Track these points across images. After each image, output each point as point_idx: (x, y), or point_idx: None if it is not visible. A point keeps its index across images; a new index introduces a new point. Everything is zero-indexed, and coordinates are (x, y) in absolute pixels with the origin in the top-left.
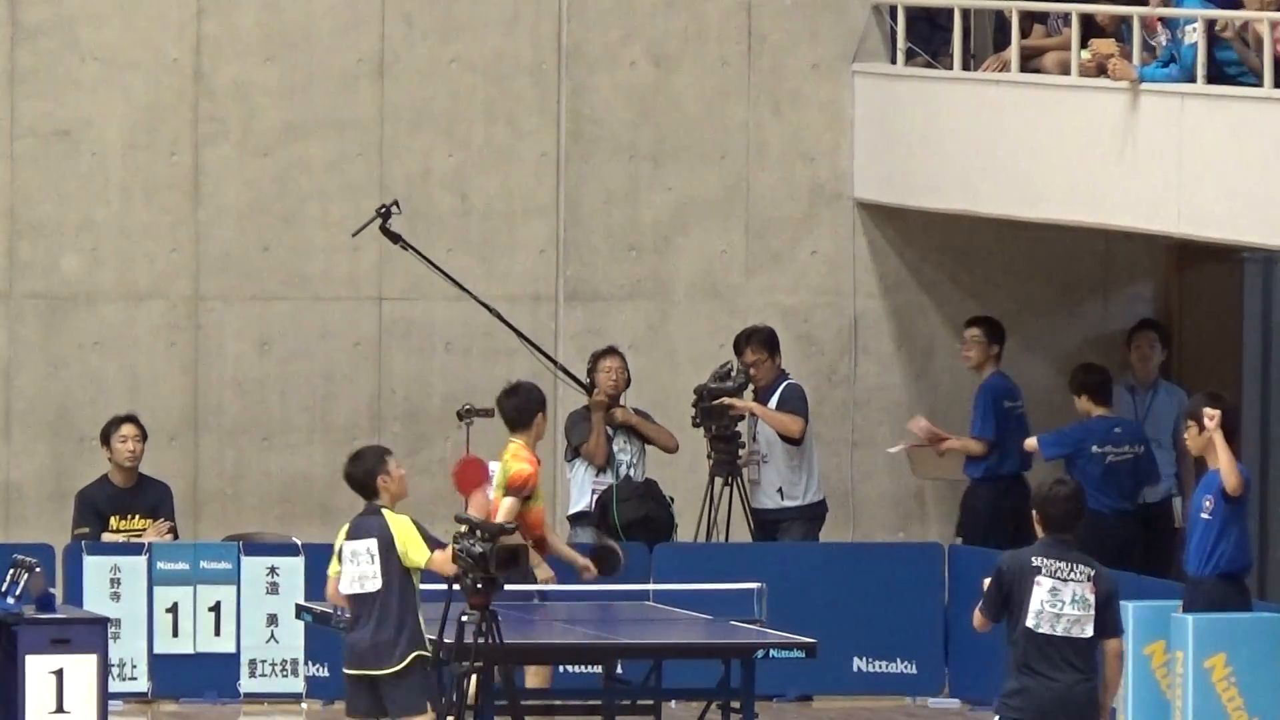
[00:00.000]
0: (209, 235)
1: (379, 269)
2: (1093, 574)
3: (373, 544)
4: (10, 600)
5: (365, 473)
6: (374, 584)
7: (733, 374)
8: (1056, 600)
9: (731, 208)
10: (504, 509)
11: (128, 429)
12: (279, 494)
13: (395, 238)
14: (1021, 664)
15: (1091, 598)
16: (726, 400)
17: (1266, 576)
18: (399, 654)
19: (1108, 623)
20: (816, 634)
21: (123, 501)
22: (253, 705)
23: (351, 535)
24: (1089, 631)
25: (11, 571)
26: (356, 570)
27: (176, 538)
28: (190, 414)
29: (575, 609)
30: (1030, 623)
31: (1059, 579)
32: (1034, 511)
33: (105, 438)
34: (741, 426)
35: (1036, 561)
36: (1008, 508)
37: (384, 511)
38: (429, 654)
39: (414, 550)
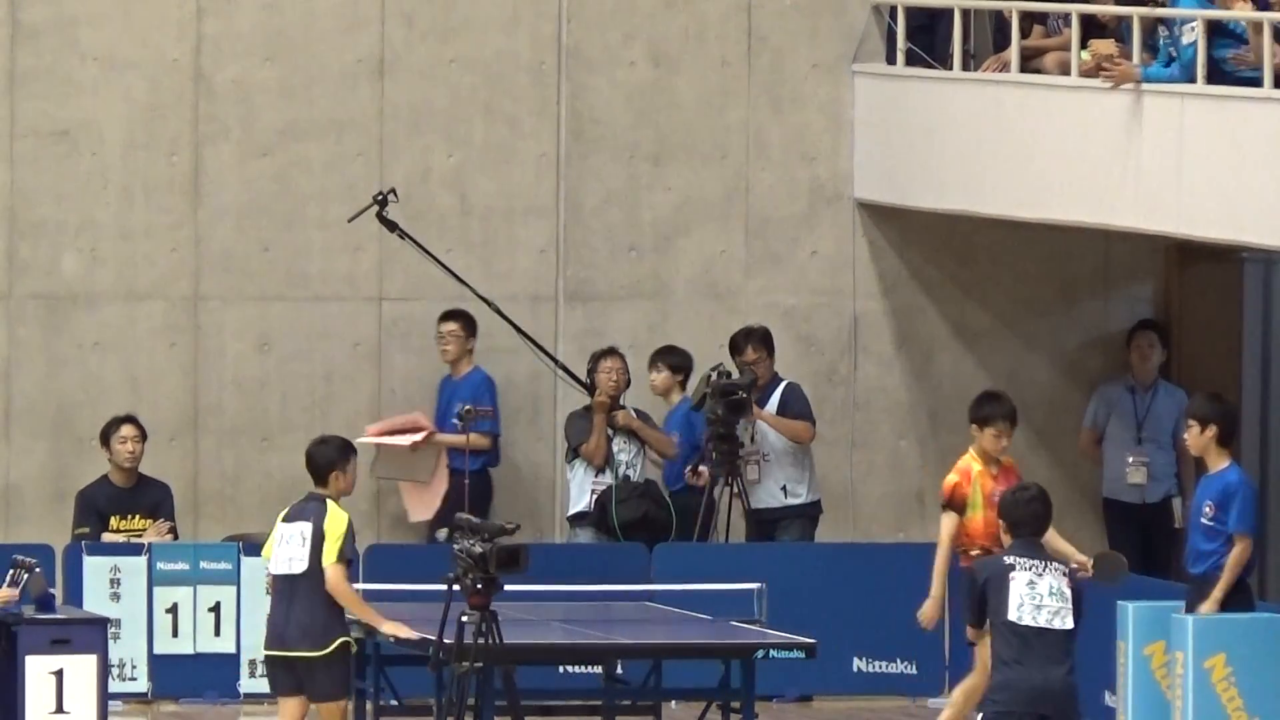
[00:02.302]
0: (209, 235)
1: (379, 269)
2: (1067, 571)
3: (307, 528)
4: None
5: (326, 461)
6: (300, 566)
7: (730, 375)
8: (1035, 592)
9: (731, 208)
10: (943, 525)
11: (127, 429)
12: (279, 494)
13: (392, 226)
14: (1005, 658)
15: (1069, 591)
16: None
17: (1266, 576)
18: (325, 638)
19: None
20: (816, 634)
21: (123, 502)
22: (253, 705)
23: (288, 519)
24: (1069, 623)
25: (11, 572)
26: (287, 551)
27: (176, 538)
28: (190, 414)
29: (575, 609)
30: (1012, 616)
31: (1035, 573)
32: (1001, 520)
33: (105, 438)
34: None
35: (1010, 560)
36: (485, 499)
37: (328, 502)
38: (352, 640)
39: (328, 550)
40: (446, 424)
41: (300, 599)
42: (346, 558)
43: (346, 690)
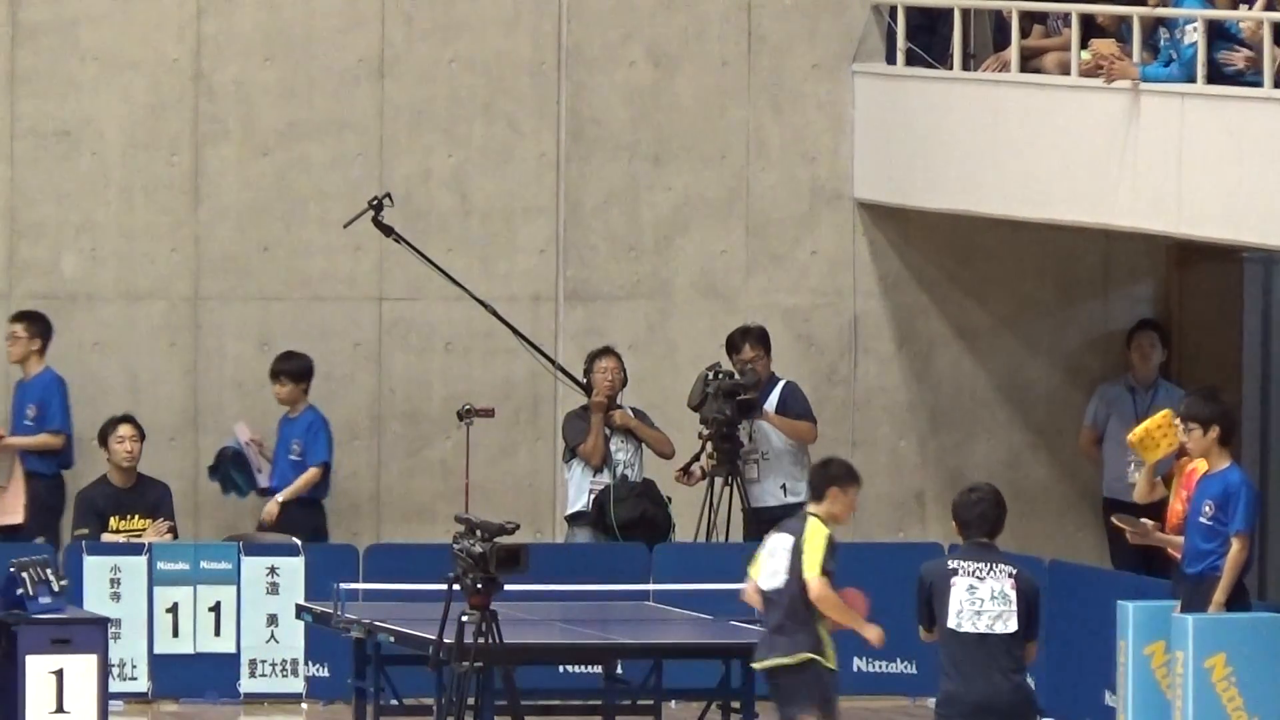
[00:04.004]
0: (209, 235)
1: (379, 269)
2: (1014, 571)
3: (790, 541)
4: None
5: (825, 478)
6: (780, 580)
7: (732, 375)
8: (975, 597)
9: (731, 208)
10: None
11: (125, 429)
12: None
13: (388, 230)
14: (948, 668)
15: (1013, 594)
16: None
17: (1266, 576)
18: (791, 648)
19: (1030, 623)
20: None
21: (122, 501)
22: (253, 705)
23: (776, 531)
24: (1013, 626)
25: (23, 575)
26: (772, 564)
27: (176, 537)
28: (190, 414)
29: (575, 609)
30: (952, 623)
31: (976, 577)
32: (953, 521)
33: (103, 438)
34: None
35: (953, 564)
36: (59, 502)
37: (811, 518)
38: (822, 661)
39: (808, 563)
40: (19, 427)
41: (777, 612)
42: (828, 569)
43: (808, 708)
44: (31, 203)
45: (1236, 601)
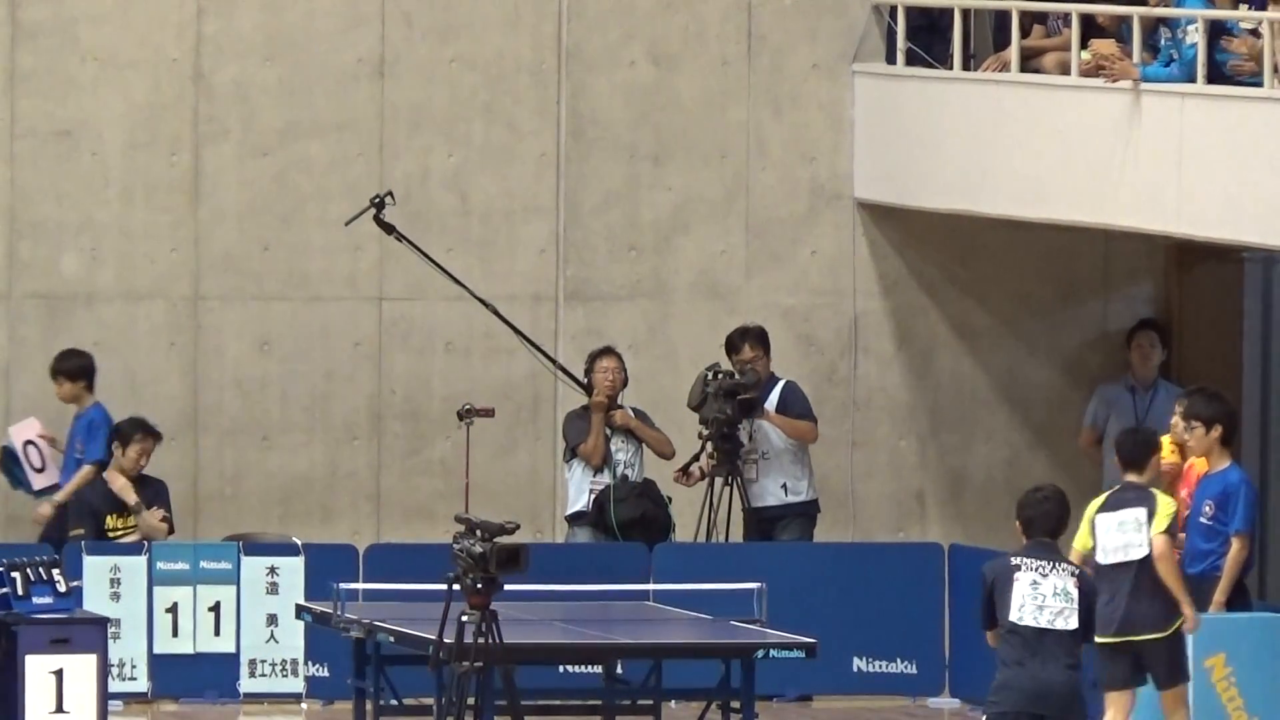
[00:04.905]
0: (209, 235)
1: (379, 269)
2: (1077, 572)
3: (1141, 513)
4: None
5: (1147, 447)
6: (1139, 552)
7: (733, 375)
8: (1038, 593)
9: (731, 208)
10: None
11: (150, 443)
12: (279, 494)
13: (389, 228)
14: (1006, 659)
15: (1075, 592)
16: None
17: (1266, 576)
18: (1164, 620)
19: (1088, 626)
20: (816, 634)
21: (119, 500)
22: (253, 705)
23: (1109, 508)
24: (1074, 623)
25: (14, 575)
26: (1123, 539)
27: (172, 530)
28: (190, 414)
29: (575, 609)
30: (1014, 616)
31: (1040, 574)
32: (1016, 520)
33: (125, 439)
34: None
35: (1016, 560)
36: None
37: (1159, 493)
38: (1181, 623)
39: (1155, 524)
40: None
41: (1134, 585)
42: (1174, 532)
43: (1186, 673)
44: (31, 203)
45: (1237, 601)
